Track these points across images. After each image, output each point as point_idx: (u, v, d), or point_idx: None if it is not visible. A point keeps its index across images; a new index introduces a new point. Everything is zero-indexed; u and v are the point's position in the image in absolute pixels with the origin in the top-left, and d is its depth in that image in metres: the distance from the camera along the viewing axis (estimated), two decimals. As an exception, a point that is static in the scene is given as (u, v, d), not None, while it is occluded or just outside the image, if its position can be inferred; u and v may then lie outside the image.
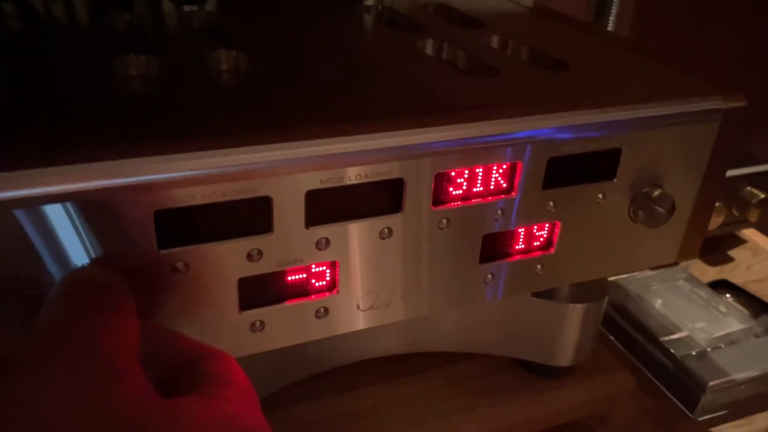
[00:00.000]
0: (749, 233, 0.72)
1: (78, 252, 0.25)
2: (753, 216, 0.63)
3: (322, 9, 0.47)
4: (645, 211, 0.35)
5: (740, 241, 0.72)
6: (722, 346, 0.53)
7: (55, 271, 0.25)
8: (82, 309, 0.22)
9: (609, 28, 0.69)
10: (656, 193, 0.35)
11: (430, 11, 0.48)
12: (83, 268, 0.25)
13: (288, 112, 0.29)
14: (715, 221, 0.63)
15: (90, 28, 0.41)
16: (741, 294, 0.61)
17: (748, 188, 0.62)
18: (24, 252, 0.24)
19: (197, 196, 0.26)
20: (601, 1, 0.68)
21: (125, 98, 0.30)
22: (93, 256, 0.25)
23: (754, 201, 0.62)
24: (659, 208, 0.34)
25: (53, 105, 0.28)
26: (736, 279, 0.64)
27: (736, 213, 0.65)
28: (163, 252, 0.26)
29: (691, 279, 0.60)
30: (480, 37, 0.42)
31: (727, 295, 0.61)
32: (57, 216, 0.24)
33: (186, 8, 0.44)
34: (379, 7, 0.48)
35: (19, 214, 0.23)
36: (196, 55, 0.35)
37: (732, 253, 0.70)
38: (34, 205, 0.23)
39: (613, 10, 0.69)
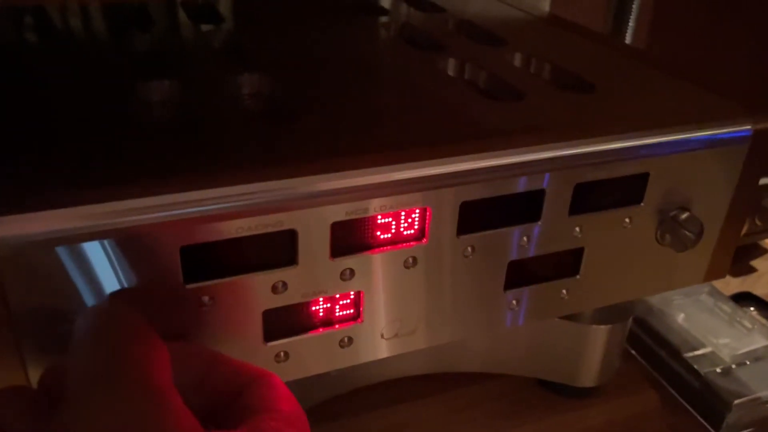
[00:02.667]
0: (772, 243, 0.71)
1: (109, 287, 0.25)
2: (776, 226, 0.62)
3: (340, 25, 0.47)
4: (673, 234, 0.34)
5: (763, 251, 0.71)
6: (747, 362, 0.52)
7: (85, 304, 0.25)
8: (120, 341, 0.22)
9: (627, 37, 0.68)
10: (684, 216, 0.34)
11: (450, 27, 0.48)
12: (105, 303, 0.25)
13: (312, 143, 0.29)
14: (738, 232, 0.62)
15: (110, 50, 0.41)
16: (765, 307, 0.60)
17: (772, 198, 0.61)
18: (60, 287, 0.24)
19: (223, 232, 0.25)
20: (619, 11, 0.67)
21: (148, 129, 0.30)
22: (122, 289, 0.25)
23: (777, 211, 0.61)
24: (687, 232, 0.34)
25: (79, 137, 0.28)
26: (760, 290, 0.63)
27: (758, 223, 0.64)
28: (189, 287, 0.26)
29: (714, 293, 0.59)
30: (502, 55, 0.41)
31: (751, 309, 0.60)
32: (91, 252, 0.24)
33: (204, 27, 0.44)
34: (399, 23, 0.47)
35: (60, 251, 0.23)
36: (217, 80, 0.35)
37: (755, 263, 0.69)
38: (74, 242, 0.23)
39: (631, 19, 0.68)
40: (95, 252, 0.24)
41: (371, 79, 0.38)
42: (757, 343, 0.53)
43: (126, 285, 0.25)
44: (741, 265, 0.68)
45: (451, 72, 0.40)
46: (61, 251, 0.24)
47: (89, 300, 0.25)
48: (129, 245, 0.24)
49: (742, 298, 0.61)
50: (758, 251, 0.71)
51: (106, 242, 0.24)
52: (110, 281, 0.25)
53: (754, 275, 0.67)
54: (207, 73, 0.37)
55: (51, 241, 0.23)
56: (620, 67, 0.41)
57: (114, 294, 0.25)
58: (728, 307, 0.57)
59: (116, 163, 0.26)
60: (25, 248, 0.23)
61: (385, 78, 0.38)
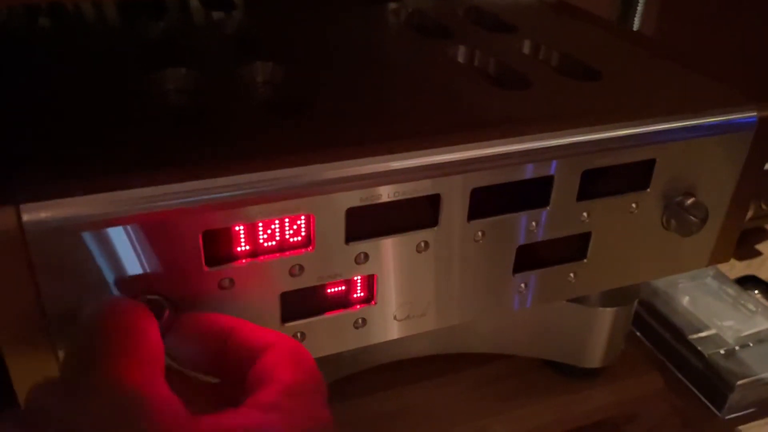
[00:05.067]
0: (778, 227, 0.71)
1: (133, 270, 0.26)
2: (782, 210, 0.62)
3: (350, 12, 0.47)
4: (678, 219, 0.35)
5: (768, 235, 0.71)
6: (750, 344, 0.53)
7: (110, 289, 0.26)
8: (104, 345, 0.23)
9: (635, 23, 0.69)
10: (689, 201, 0.35)
11: (459, 14, 0.48)
12: (101, 299, 0.25)
13: (326, 131, 0.30)
14: (743, 216, 0.63)
15: (124, 38, 0.41)
16: (770, 290, 0.61)
17: (777, 182, 0.62)
18: (86, 270, 0.25)
19: (242, 217, 0.26)
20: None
21: (166, 119, 0.31)
22: (146, 273, 0.26)
23: (783, 196, 0.61)
24: (692, 217, 0.34)
25: (100, 125, 0.29)
26: (765, 274, 0.64)
27: (764, 207, 0.64)
28: (210, 270, 0.27)
29: (719, 276, 0.60)
30: (511, 42, 0.42)
31: (756, 292, 0.61)
32: (116, 237, 0.25)
33: (215, 15, 0.45)
34: (409, 10, 0.48)
35: (85, 237, 0.24)
36: (231, 67, 0.36)
37: (760, 247, 0.70)
38: (99, 227, 0.24)
39: (639, 5, 0.68)
40: (119, 237, 0.25)
41: (382, 67, 0.38)
42: (761, 325, 0.54)
43: (149, 268, 0.26)
44: (746, 249, 0.69)
45: (461, 59, 0.40)
46: (87, 236, 0.24)
47: (114, 282, 0.26)
48: (152, 230, 0.25)
49: (747, 282, 0.62)
50: (763, 235, 0.71)
51: (130, 227, 0.25)
52: (134, 265, 0.26)
53: (759, 259, 0.68)
54: (219, 61, 0.37)
55: (77, 227, 0.24)
56: (627, 55, 0.42)
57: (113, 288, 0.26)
58: (733, 290, 0.58)
59: (139, 151, 0.27)
60: (54, 233, 0.24)
61: (396, 66, 0.39)
